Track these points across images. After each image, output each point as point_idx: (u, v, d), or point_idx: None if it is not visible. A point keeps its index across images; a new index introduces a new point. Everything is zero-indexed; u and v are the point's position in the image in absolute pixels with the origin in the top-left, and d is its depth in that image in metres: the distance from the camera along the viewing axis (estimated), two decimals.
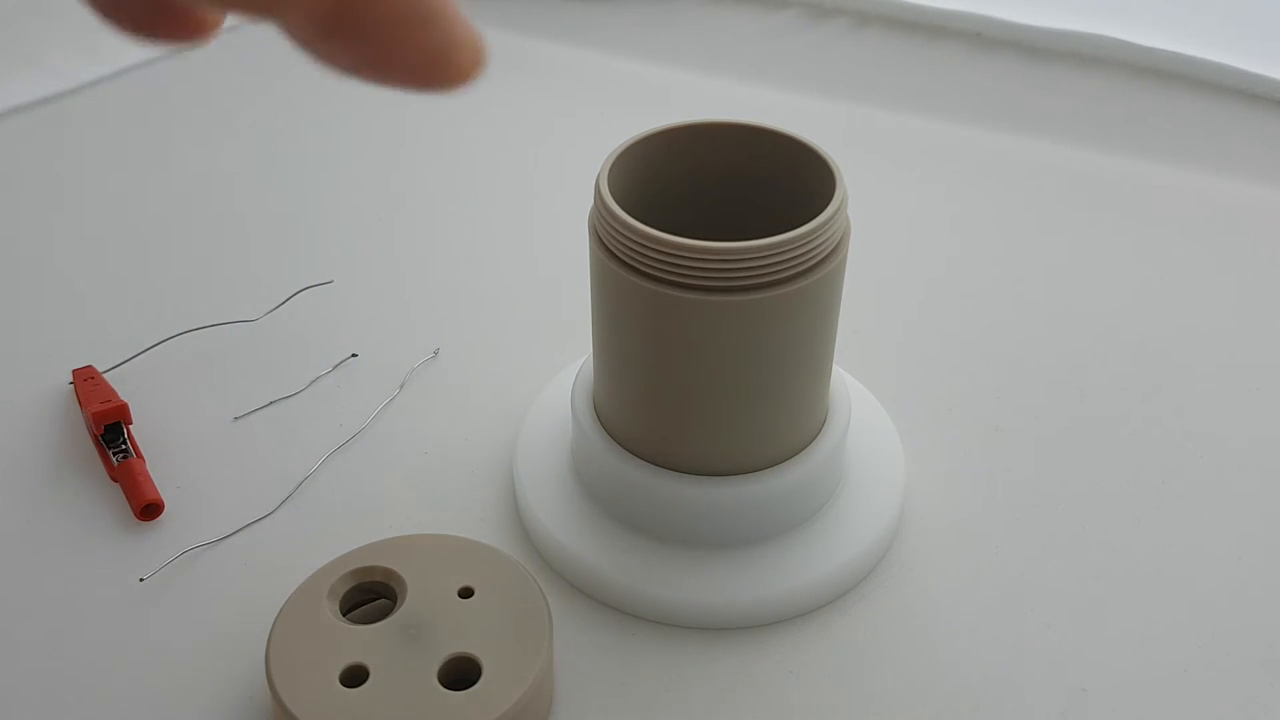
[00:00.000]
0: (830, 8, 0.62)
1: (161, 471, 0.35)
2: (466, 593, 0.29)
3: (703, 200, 0.32)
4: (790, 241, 0.27)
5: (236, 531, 0.34)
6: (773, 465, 0.31)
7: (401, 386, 0.39)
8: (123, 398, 0.36)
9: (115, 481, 0.35)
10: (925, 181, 0.50)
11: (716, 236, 0.27)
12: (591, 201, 0.29)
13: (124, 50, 0.59)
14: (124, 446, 0.35)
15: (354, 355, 0.40)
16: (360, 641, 0.28)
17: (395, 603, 0.29)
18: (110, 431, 0.36)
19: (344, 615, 0.29)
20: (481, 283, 0.44)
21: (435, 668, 0.27)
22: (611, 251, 0.28)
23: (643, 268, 0.28)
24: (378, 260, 0.45)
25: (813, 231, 0.27)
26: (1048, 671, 0.30)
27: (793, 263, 0.27)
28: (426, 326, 0.41)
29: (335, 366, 0.39)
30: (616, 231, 0.28)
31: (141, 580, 0.32)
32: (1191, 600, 0.32)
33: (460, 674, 0.28)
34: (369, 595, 0.30)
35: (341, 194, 0.49)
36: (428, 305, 0.43)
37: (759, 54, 0.60)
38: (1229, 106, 0.54)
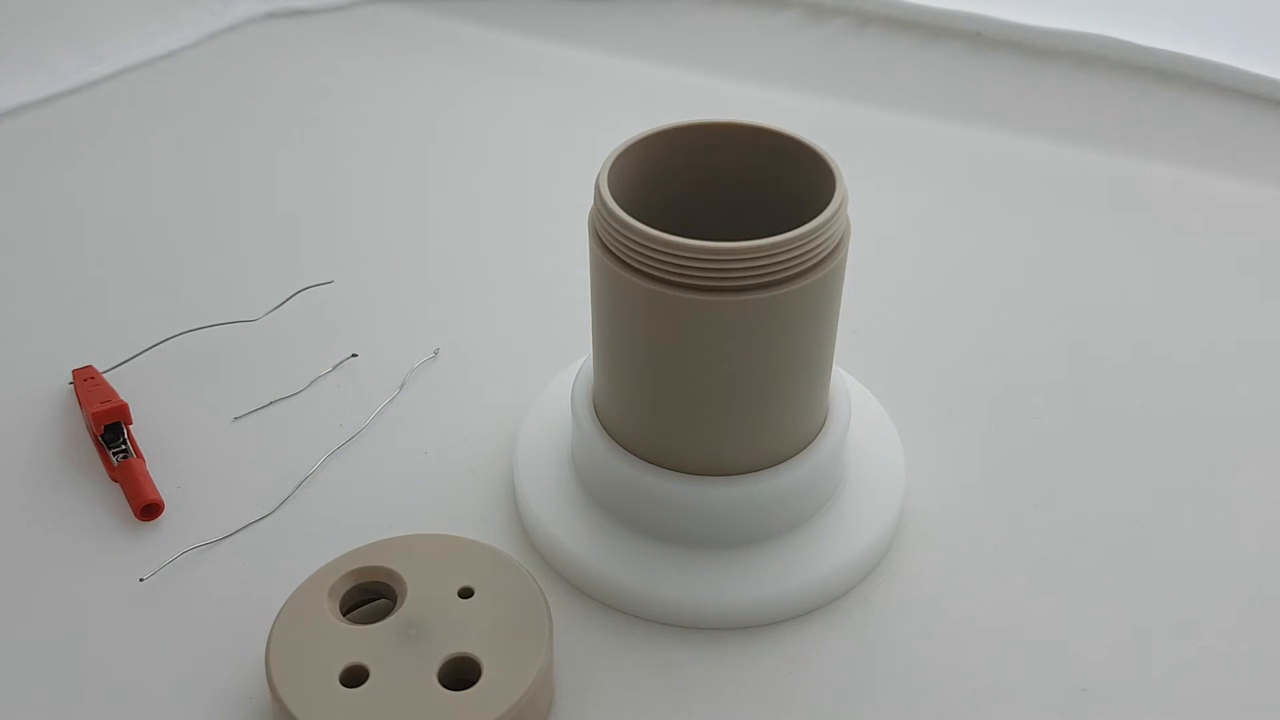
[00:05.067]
0: (830, 8, 0.62)
1: (161, 471, 0.35)
2: (466, 593, 0.29)
3: (703, 200, 0.32)
4: (790, 241, 0.27)
5: (236, 531, 0.34)
6: (773, 465, 0.31)
7: (401, 386, 0.39)
8: (123, 398, 0.36)
9: (115, 481, 0.35)
10: (925, 181, 0.50)
11: (716, 236, 0.27)
12: (591, 201, 0.29)
13: (124, 50, 0.59)
14: (124, 446, 0.35)
15: (354, 355, 0.40)
16: (360, 641, 0.28)
17: (395, 603, 0.29)
18: (110, 431, 0.36)
19: (344, 615, 0.29)
20: (481, 283, 0.44)
21: (435, 668, 0.27)
22: (611, 251, 0.28)
23: (643, 268, 0.28)
24: (378, 260, 0.45)
25: (813, 231, 0.27)
26: (1048, 671, 0.30)
27: (793, 263, 0.27)
28: (426, 326, 0.41)
29: (335, 366, 0.39)
30: (616, 231, 0.28)
31: (141, 580, 0.32)
32: (1191, 600, 0.32)
33: (460, 674, 0.28)
34: (369, 595, 0.30)
35: (341, 194, 0.49)
36: (428, 305, 0.43)
37: (759, 54, 0.60)
38: (1229, 106, 0.54)
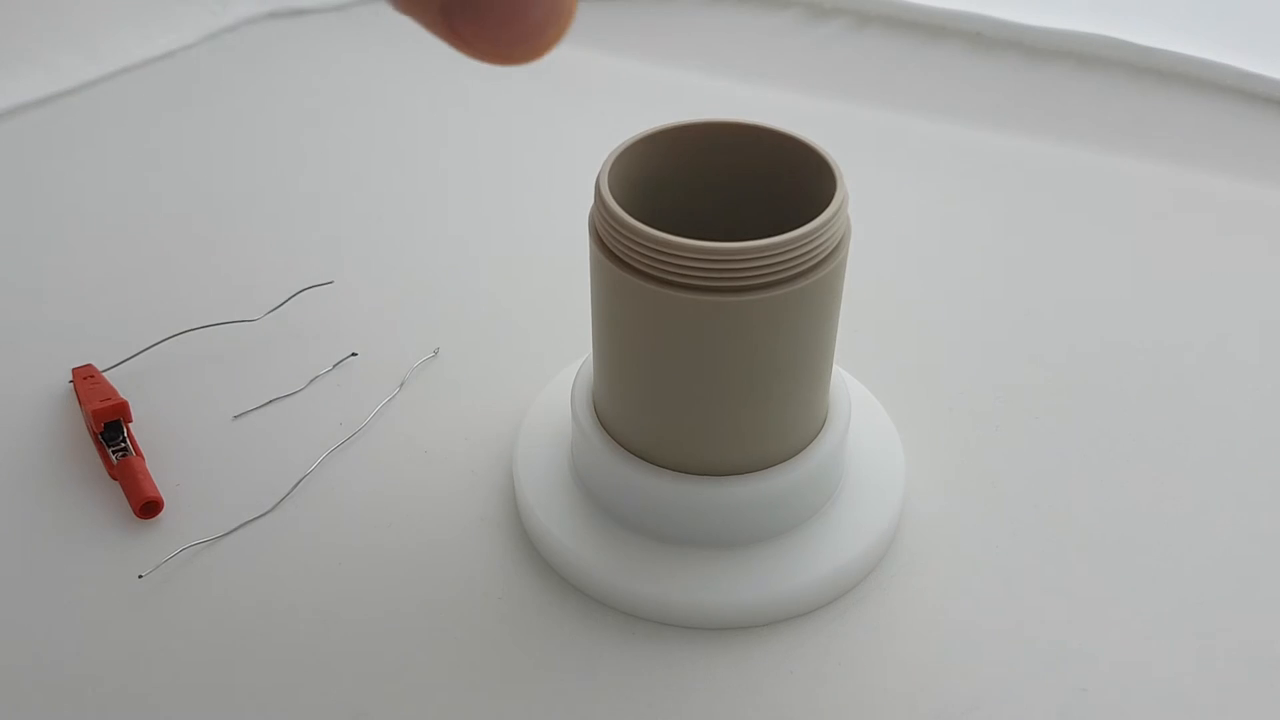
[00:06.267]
0: (830, 8, 0.62)
1: (161, 469, 0.35)
2: None
3: (703, 200, 0.32)
4: (790, 242, 0.27)
5: (235, 529, 0.34)
6: (773, 465, 0.31)
7: (401, 386, 0.39)
8: (122, 396, 0.36)
9: (115, 479, 0.35)
10: (925, 181, 0.50)
11: (716, 236, 0.27)
12: (591, 201, 0.29)
13: (124, 50, 0.59)
14: (123, 444, 0.35)
15: (353, 355, 0.40)
16: None
17: None
18: (110, 429, 0.36)
19: None
20: (481, 282, 0.44)
21: None
22: (611, 251, 0.28)
23: (643, 268, 0.28)
24: (378, 260, 0.45)
25: (813, 232, 0.27)
26: (1048, 671, 0.30)
27: (793, 263, 0.27)
28: (426, 326, 0.41)
29: (335, 366, 0.39)
30: (616, 231, 0.28)
31: (140, 577, 0.32)
32: (1192, 600, 0.32)
33: None
34: None
35: (341, 194, 0.49)
36: (428, 305, 0.43)
37: (759, 54, 0.61)
38: (1229, 106, 0.54)
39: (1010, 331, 0.41)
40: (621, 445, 0.31)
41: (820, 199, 0.28)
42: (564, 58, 0.67)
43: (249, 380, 0.39)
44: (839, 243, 0.28)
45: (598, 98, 0.57)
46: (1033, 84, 0.56)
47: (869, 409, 0.36)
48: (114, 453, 0.35)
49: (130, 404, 0.36)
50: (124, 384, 0.38)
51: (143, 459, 0.35)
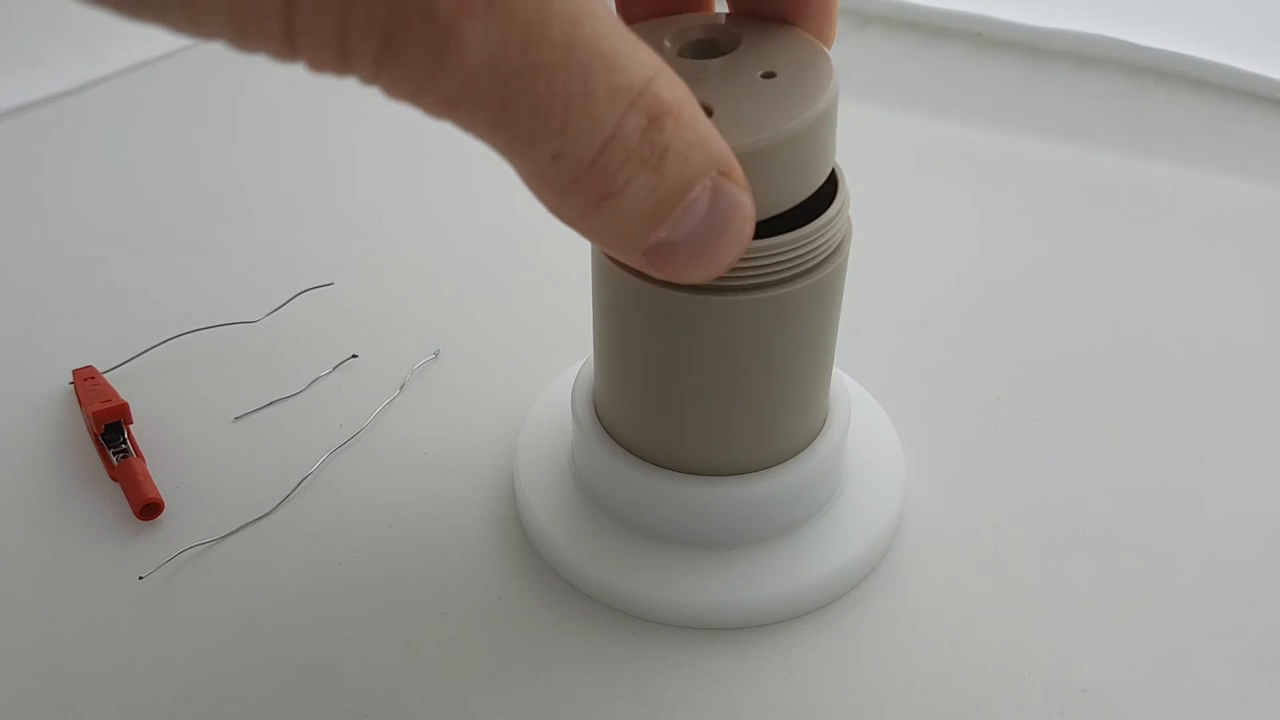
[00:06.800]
0: None
1: (161, 471, 0.35)
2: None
3: None
4: (790, 242, 0.27)
5: (236, 531, 0.34)
6: (773, 465, 0.31)
7: (402, 387, 0.39)
8: (123, 397, 0.36)
9: (115, 481, 0.35)
10: (925, 182, 0.50)
11: None
12: None
13: (124, 50, 0.59)
14: (124, 446, 0.35)
15: (354, 356, 0.40)
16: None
17: None
18: (110, 431, 0.36)
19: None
20: (481, 283, 0.44)
21: None
22: None
23: None
24: (378, 261, 0.45)
25: (813, 232, 0.27)
26: (1048, 671, 0.30)
27: (793, 263, 0.27)
28: (426, 327, 0.41)
29: (335, 367, 0.39)
30: None
31: (141, 579, 0.32)
32: (1191, 600, 0.32)
33: None
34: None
35: (341, 194, 0.49)
36: (428, 305, 0.43)
37: None
38: (1229, 106, 0.54)
39: (1010, 332, 0.41)
40: (621, 445, 0.31)
41: (820, 199, 0.28)
42: None
43: (249, 382, 0.39)
44: (839, 243, 0.28)
45: None
46: (1033, 84, 0.56)
47: (869, 409, 0.36)
48: (114, 454, 0.35)
49: (131, 405, 0.36)
50: (124, 385, 0.38)
51: (143, 460, 0.35)
